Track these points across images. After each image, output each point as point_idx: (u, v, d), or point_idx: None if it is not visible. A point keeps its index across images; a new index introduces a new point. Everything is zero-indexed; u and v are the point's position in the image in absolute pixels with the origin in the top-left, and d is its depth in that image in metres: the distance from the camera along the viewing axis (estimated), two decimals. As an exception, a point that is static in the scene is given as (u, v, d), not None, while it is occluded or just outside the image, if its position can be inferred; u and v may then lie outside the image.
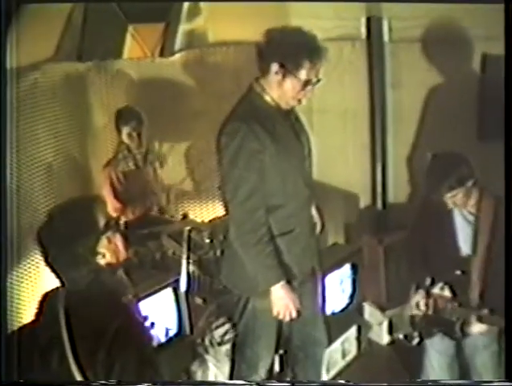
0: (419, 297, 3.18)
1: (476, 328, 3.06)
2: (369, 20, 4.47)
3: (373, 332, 4.24)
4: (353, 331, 4.11)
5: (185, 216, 4.71)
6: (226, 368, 3.43)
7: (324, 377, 3.66)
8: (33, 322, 2.20)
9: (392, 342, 4.10)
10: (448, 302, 3.12)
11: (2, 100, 2.76)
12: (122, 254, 2.27)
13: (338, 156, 4.66)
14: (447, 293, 3.15)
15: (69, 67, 4.36)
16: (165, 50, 4.81)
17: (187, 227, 3.91)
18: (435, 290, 3.16)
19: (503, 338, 2.96)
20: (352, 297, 4.16)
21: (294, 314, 3.00)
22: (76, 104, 4.41)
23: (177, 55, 4.77)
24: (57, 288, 2.19)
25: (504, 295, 2.78)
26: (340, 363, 4.01)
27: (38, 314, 2.19)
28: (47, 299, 2.19)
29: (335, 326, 3.75)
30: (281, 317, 3.01)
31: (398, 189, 4.67)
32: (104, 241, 2.20)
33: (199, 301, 3.76)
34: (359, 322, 4.18)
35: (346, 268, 4.09)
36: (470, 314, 3.04)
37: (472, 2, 3.65)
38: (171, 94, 4.66)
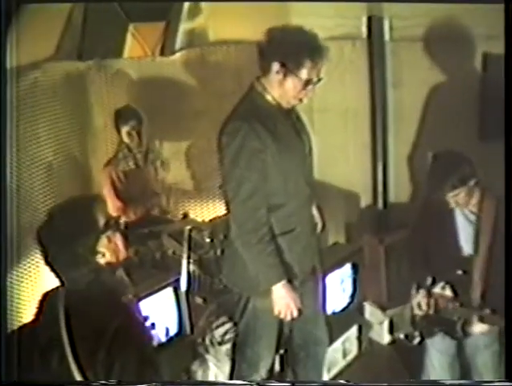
0: (420, 297, 3.17)
1: (478, 328, 3.05)
2: (370, 19, 4.47)
3: (374, 332, 4.24)
4: (353, 331, 4.11)
5: (186, 216, 4.71)
6: (227, 368, 3.43)
7: (325, 377, 3.66)
8: (33, 321, 2.20)
9: (393, 342, 4.10)
10: (449, 302, 3.12)
11: (2, 99, 2.75)
12: (122, 253, 2.27)
13: (339, 155, 4.65)
14: (448, 292, 3.14)
15: (69, 67, 4.35)
16: (166, 49, 4.81)
17: (188, 227, 3.91)
18: (437, 290, 3.15)
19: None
20: (352, 296, 4.15)
21: (295, 314, 3.00)
22: (76, 104, 4.41)
23: (178, 54, 4.76)
24: (57, 287, 2.19)
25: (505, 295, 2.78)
26: (341, 363, 4.01)
27: (38, 314, 2.18)
28: (47, 299, 2.18)
29: (336, 325, 3.74)
30: (282, 316, 3.01)
31: (399, 188, 4.67)
32: (104, 240, 2.20)
33: (199, 300, 3.76)
34: (360, 321, 4.17)
35: (347, 268, 4.08)
36: (471, 314, 3.04)
37: (472, 1, 3.64)
38: (171, 93, 4.65)
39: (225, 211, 3.15)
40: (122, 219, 3.98)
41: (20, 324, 2.31)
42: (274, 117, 2.91)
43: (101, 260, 2.19)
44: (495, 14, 2.88)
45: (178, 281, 3.67)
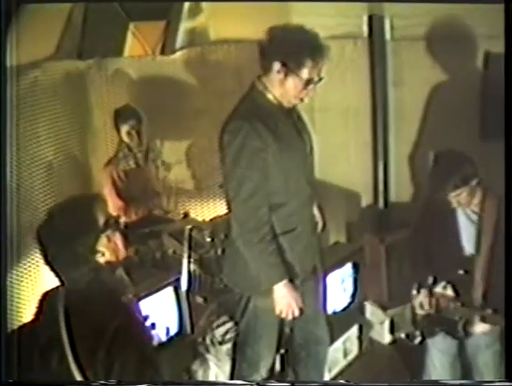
0: (422, 297, 3.16)
1: (480, 328, 3.04)
2: (370, 18, 4.46)
3: (375, 331, 4.23)
4: (354, 330, 4.10)
5: (186, 215, 4.71)
6: (227, 367, 3.43)
7: (326, 376, 3.65)
8: (33, 321, 2.19)
9: (394, 342, 4.09)
10: (451, 302, 3.11)
11: (2, 98, 2.75)
12: (122, 253, 2.26)
13: (340, 154, 4.65)
14: (449, 292, 3.13)
15: (70, 66, 4.35)
16: (166, 48, 4.80)
17: (188, 226, 3.91)
18: (438, 289, 3.15)
19: (506, 338, 2.96)
20: (353, 296, 4.15)
21: (296, 313, 2.99)
22: (76, 103, 4.40)
23: (178, 53, 4.76)
24: (57, 287, 2.19)
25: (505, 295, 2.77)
26: (342, 363, 4.00)
27: (38, 314, 2.18)
28: (47, 298, 2.18)
29: (336, 325, 3.74)
30: (283, 315, 3.01)
31: (400, 187, 4.67)
32: (103, 240, 2.19)
33: (200, 300, 3.75)
34: (360, 321, 4.16)
35: (348, 267, 4.08)
36: (473, 314, 3.03)
37: (472, 1, 3.64)
38: (172, 92, 4.65)
39: (225, 211, 3.15)
40: (122, 219, 3.98)
41: (20, 324, 2.30)
42: (275, 116, 2.90)
43: (101, 260, 2.19)
44: (496, 13, 2.87)
45: (178, 280, 3.67)
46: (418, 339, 3.28)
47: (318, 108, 4.41)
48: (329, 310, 3.77)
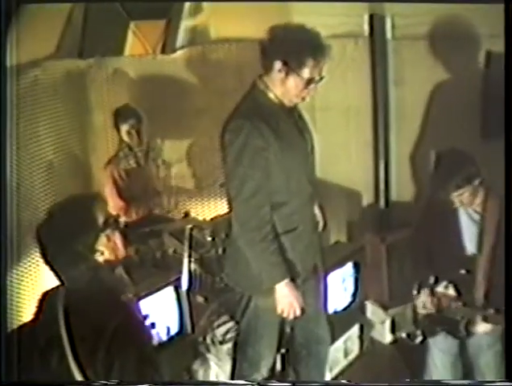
0: (424, 297, 3.16)
1: (481, 328, 3.04)
2: (371, 17, 4.46)
3: (376, 331, 4.22)
4: (355, 330, 4.10)
5: (187, 214, 4.70)
6: (228, 367, 3.43)
7: (327, 376, 3.64)
8: (33, 320, 2.19)
9: (395, 341, 4.08)
10: (452, 301, 3.10)
11: (2, 97, 2.74)
12: (121, 252, 2.26)
13: (341, 153, 4.64)
14: (451, 291, 3.13)
15: (70, 64, 4.34)
16: (167, 47, 4.79)
17: (189, 226, 3.90)
18: (439, 289, 3.14)
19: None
20: (354, 295, 4.14)
21: (298, 312, 2.99)
22: (76, 102, 4.40)
23: (179, 52, 4.75)
24: (57, 286, 2.18)
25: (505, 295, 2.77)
26: (343, 362, 3.99)
27: (37, 313, 2.18)
28: (47, 298, 2.18)
29: (337, 324, 3.73)
30: (285, 315, 3.00)
31: (401, 187, 4.66)
32: (103, 239, 2.19)
33: (200, 299, 3.75)
34: (361, 320, 4.16)
35: (348, 267, 4.07)
36: (475, 314, 3.03)
37: (472, 1, 3.63)
38: (173, 91, 4.64)
39: (226, 210, 3.14)
40: (122, 218, 3.98)
41: (20, 323, 2.30)
42: (277, 115, 2.90)
43: (100, 259, 2.18)
44: (496, 13, 2.87)
45: (179, 279, 3.66)
46: (419, 339, 3.27)
47: (319, 107, 4.40)
48: (330, 310, 3.77)
